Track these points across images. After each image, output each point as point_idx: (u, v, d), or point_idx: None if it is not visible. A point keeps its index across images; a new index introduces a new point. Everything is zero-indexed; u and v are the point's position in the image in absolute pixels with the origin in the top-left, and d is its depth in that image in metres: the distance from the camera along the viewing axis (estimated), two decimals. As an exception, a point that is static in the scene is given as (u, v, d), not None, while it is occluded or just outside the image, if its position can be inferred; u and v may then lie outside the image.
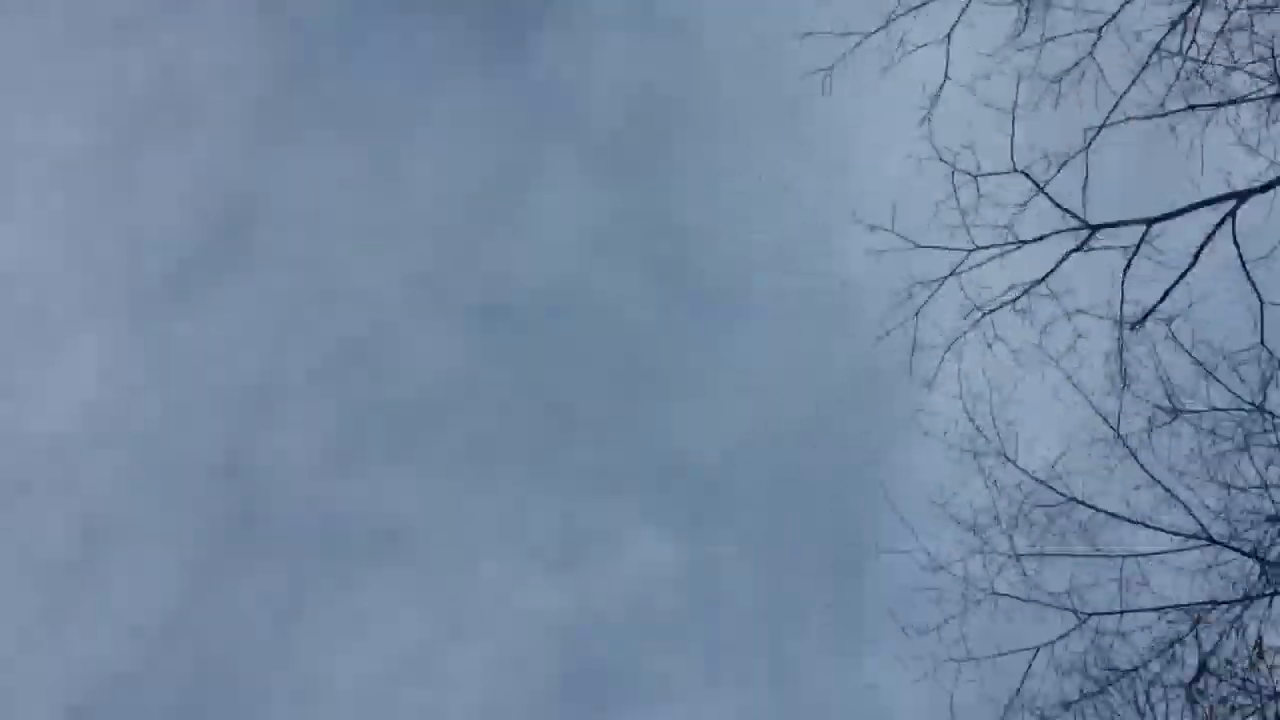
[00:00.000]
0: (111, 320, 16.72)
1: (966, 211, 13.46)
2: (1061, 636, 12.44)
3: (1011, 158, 13.46)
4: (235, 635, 16.25)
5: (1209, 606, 11.82)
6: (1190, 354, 12.57)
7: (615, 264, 18.38)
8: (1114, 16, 13.02)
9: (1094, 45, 13.14)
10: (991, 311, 13.53)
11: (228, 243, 17.46)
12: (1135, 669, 11.98)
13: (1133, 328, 12.96)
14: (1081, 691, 12.09)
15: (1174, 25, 12.77)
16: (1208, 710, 11.68)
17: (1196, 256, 12.84)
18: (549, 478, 17.63)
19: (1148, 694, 11.82)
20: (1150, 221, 13.05)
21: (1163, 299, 12.90)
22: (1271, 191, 12.67)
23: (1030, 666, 12.54)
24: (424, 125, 18.58)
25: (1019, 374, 13.21)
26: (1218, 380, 12.51)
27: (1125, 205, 13.69)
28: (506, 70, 18.57)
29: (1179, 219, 12.99)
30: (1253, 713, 11.52)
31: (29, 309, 16.05)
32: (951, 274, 13.58)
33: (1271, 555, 11.97)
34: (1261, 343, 12.44)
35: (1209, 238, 12.76)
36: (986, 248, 13.45)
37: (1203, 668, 11.76)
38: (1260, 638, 11.77)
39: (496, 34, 18.54)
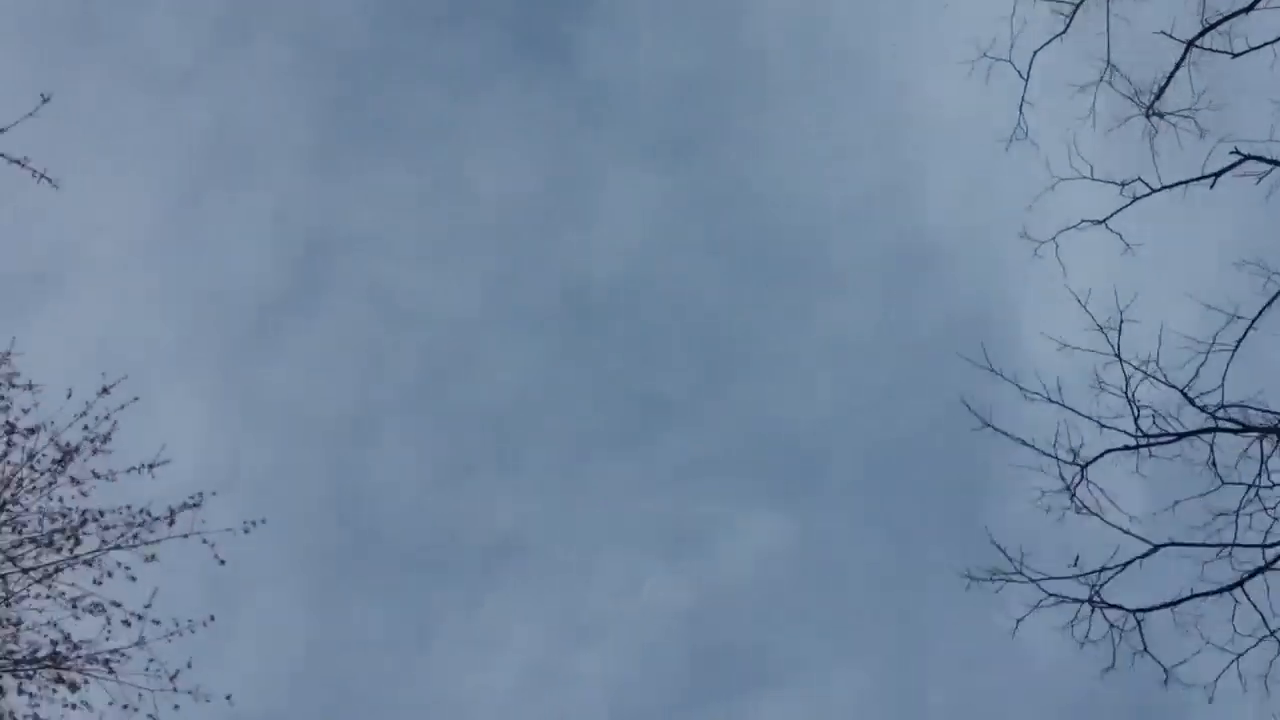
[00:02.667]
0: (206, 371, 16.92)
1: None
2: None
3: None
4: (367, 665, 16.45)
5: None
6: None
7: (686, 247, 18.41)
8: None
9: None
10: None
11: (306, 278, 17.63)
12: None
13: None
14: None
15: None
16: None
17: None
18: (652, 468, 17.72)
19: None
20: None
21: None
22: None
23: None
24: (478, 134, 18.66)
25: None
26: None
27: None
28: (550, 69, 18.60)
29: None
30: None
31: (126, 372, 16.14)
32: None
33: None
34: None
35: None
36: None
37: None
38: None
39: (535, 35, 18.56)
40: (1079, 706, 13.63)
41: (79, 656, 10.31)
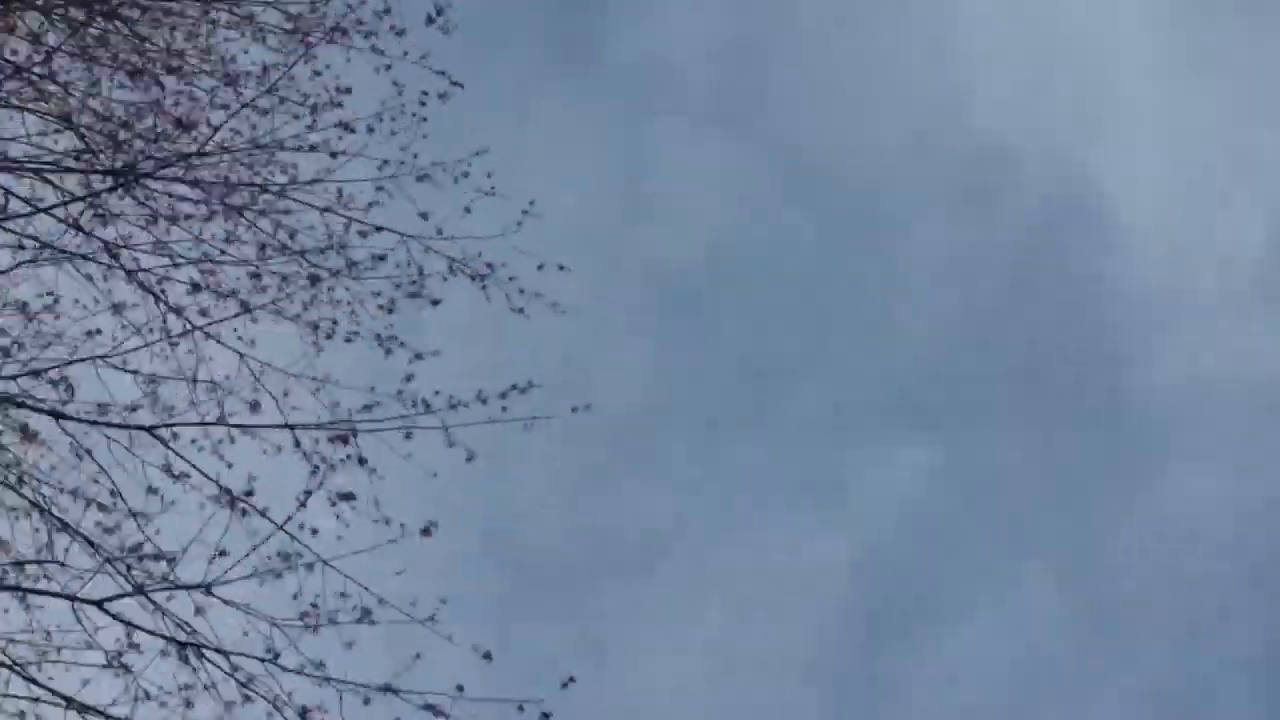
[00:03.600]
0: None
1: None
2: None
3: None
4: (552, 686, 16.25)
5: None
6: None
7: (760, 212, 18.32)
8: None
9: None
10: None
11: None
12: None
13: None
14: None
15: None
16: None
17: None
18: (785, 434, 17.57)
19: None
20: None
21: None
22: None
23: None
24: (531, 144, 18.62)
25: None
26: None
27: None
28: (591, 65, 18.59)
29: None
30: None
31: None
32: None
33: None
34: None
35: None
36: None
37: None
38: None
39: (567, 34, 18.55)
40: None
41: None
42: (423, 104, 11.34)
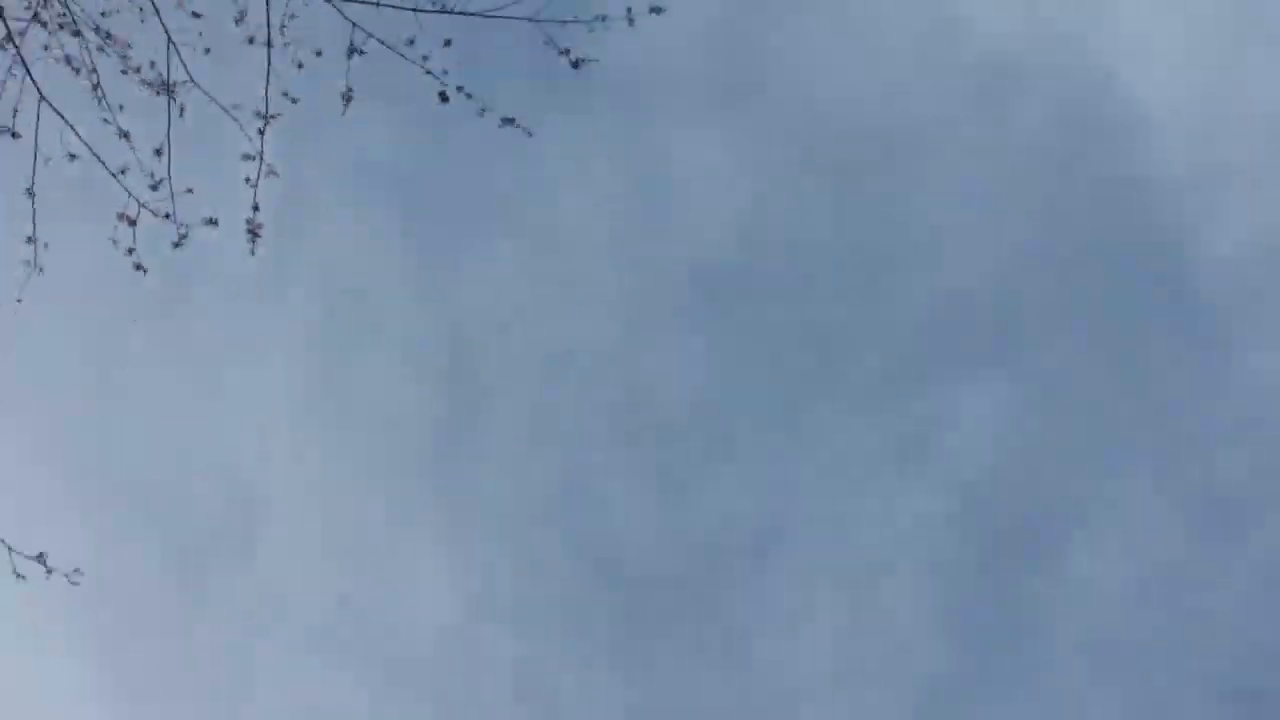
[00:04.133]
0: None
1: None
2: None
3: None
4: (698, 706, 16.42)
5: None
6: None
7: (779, 185, 18.15)
8: None
9: None
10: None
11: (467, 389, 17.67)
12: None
13: None
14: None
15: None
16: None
17: None
18: (854, 402, 17.51)
19: None
20: None
21: None
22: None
23: None
24: (531, 162, 18.56)
25: None
26: None
27: None
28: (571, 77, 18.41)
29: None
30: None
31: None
32: None
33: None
34: None
35: None
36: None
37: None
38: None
39: (544, 57, 18.38)
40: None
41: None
42: None
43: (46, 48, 9.31)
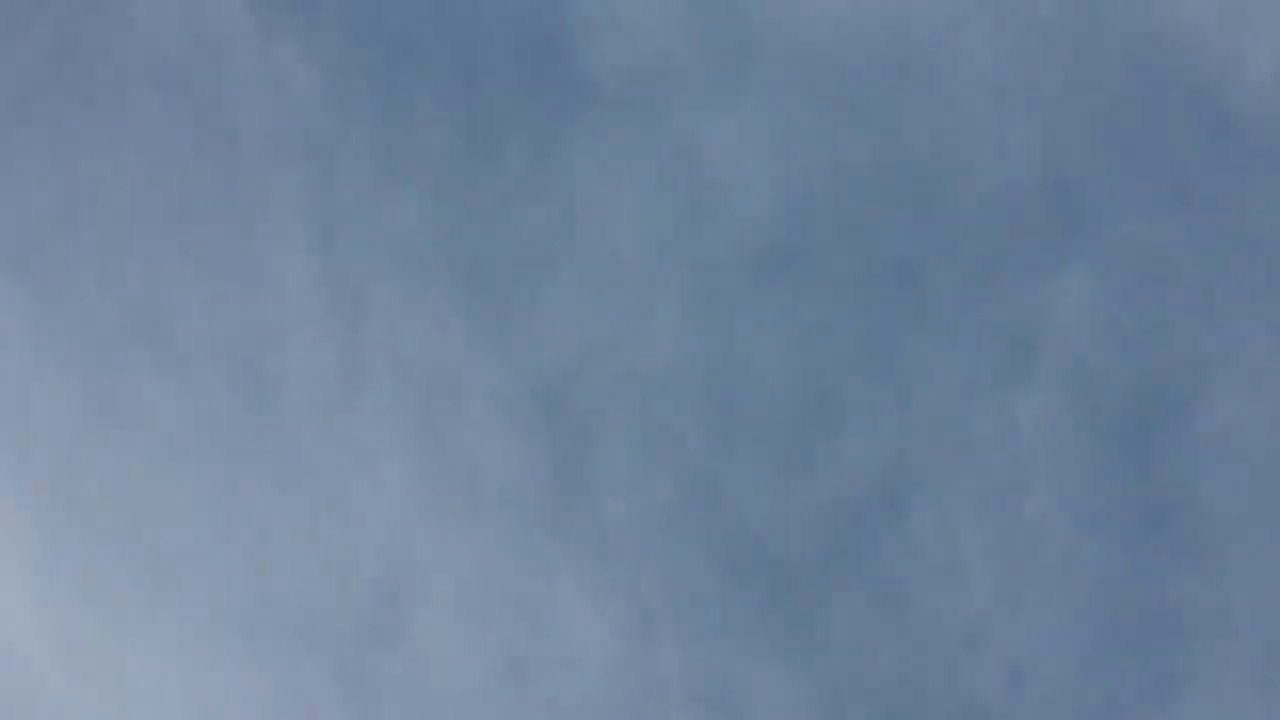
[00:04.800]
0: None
1: None
2: None
3: None
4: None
5: None
6: None
7: (820, 148, 17.91)
8: None
9: None
10: None
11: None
12: None
13: None
14: None
15: None
16: None
17: None
18: (943, 328, 17.21)
19: None
20: None
21: None
22: None
23: None
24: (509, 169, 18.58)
25: None
26: None
27: None
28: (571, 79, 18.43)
29: None
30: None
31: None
32: None
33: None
34: None
35: None
36: None
37: None
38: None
39: (541, 66, 18.45)
40: None
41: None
42: None
43: None
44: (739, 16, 17.60)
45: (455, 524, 17.06)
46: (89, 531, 16.43)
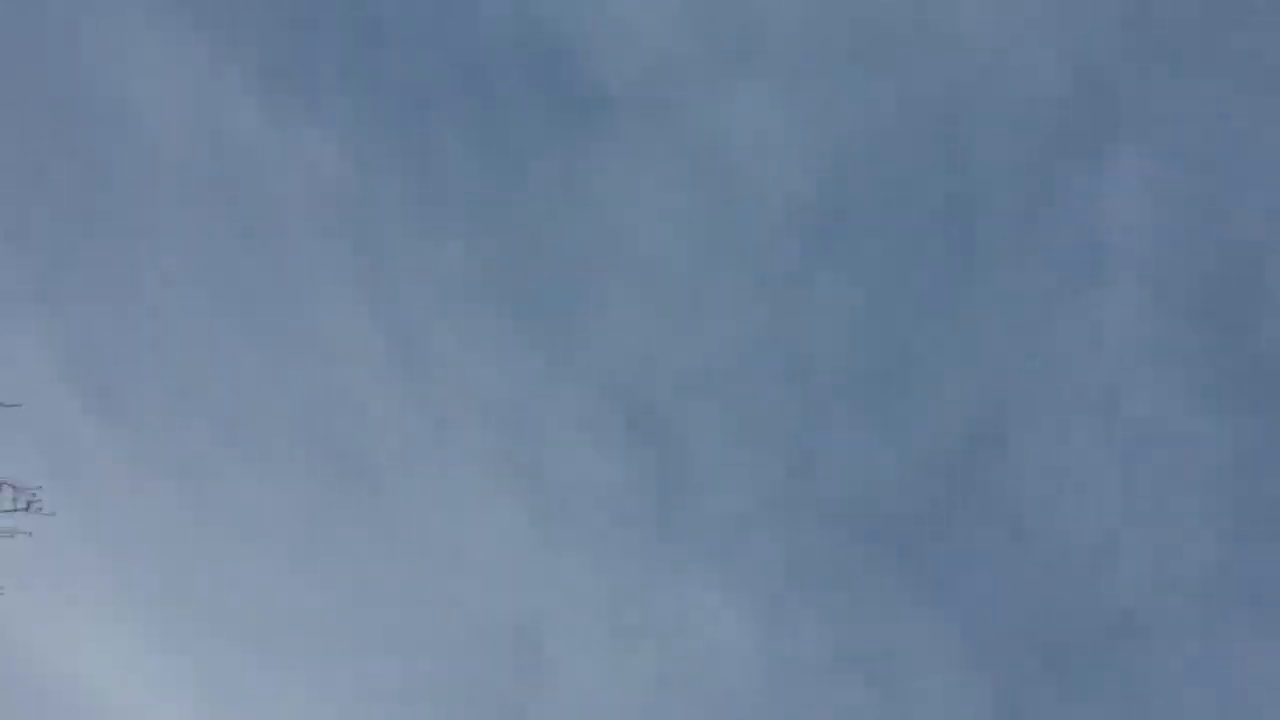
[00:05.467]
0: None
1: None
2: None
3: None
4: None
5: None
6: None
7: (846, 110, 17.82)
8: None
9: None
10: None
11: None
12: None
13: None
14: None
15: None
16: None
17: None
18: (1001, 251, 17.16)
19: None
20: None
21: None
22: None
23: None
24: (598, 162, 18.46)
25: None
26: None
27: None
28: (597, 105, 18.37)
29: None
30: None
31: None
32: None
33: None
34: None
35: None
36: None
37: None
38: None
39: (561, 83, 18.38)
40: None
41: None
42: None
43: None
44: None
45: (568, 551, 17.01)
46: (214, 628, 16.37)
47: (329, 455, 17.24)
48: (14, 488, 12.25)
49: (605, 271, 18.25)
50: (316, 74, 17.66)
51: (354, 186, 17.70)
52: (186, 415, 16.79)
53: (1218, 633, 15.48)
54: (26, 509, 12.18)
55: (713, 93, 18.09)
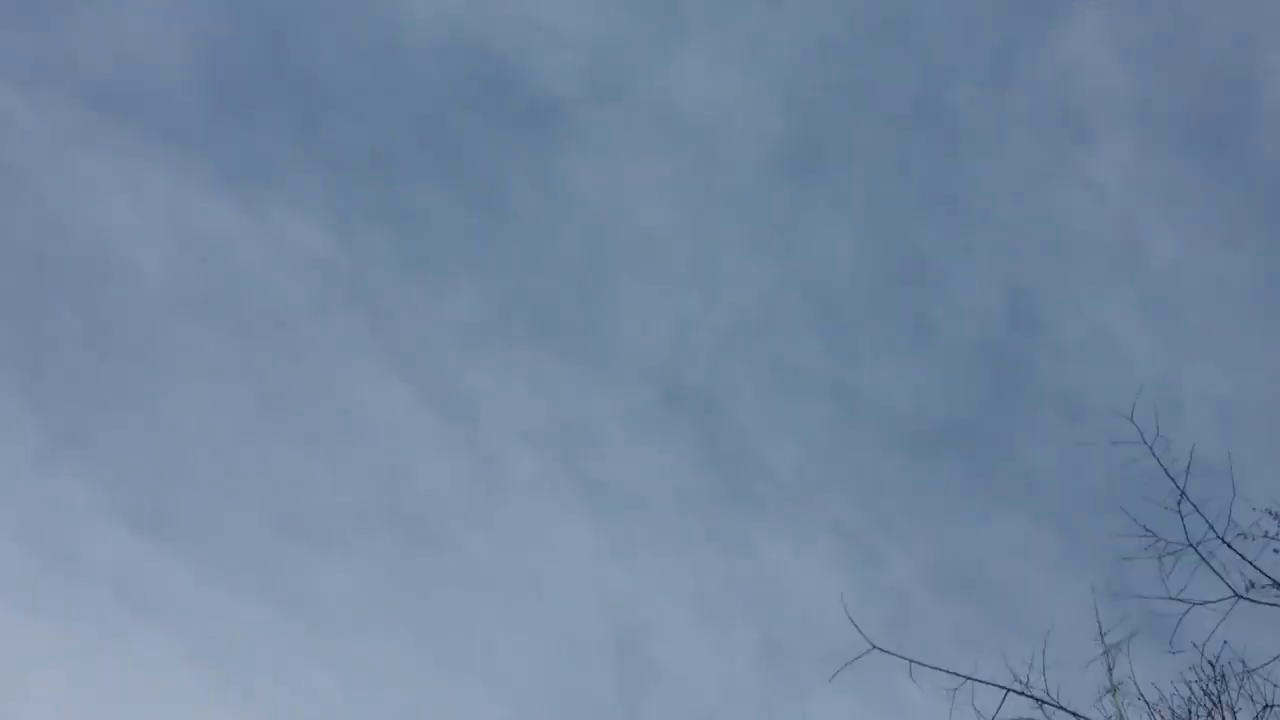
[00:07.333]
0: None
1: None
2: None
3: None
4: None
5: None
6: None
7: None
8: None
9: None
10: None
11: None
12: None
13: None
14: None
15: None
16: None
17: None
18: (995, 159, 16.91)
19: None
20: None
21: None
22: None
23: None
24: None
25: None
26: None
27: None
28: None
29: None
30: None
31: None
32: None
33: None
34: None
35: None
36: None
37: None
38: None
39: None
40: None
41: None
42: None
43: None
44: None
45: (643, 547, 17.10)
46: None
47: (393, 525, 17.40)
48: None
49: (606, 262, 18.29)
50: (274, 156, 17.87)
51: (344, 257, 17.89)
52: (245, 525, 17.04)
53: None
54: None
55: (658, 64, 18.11)
